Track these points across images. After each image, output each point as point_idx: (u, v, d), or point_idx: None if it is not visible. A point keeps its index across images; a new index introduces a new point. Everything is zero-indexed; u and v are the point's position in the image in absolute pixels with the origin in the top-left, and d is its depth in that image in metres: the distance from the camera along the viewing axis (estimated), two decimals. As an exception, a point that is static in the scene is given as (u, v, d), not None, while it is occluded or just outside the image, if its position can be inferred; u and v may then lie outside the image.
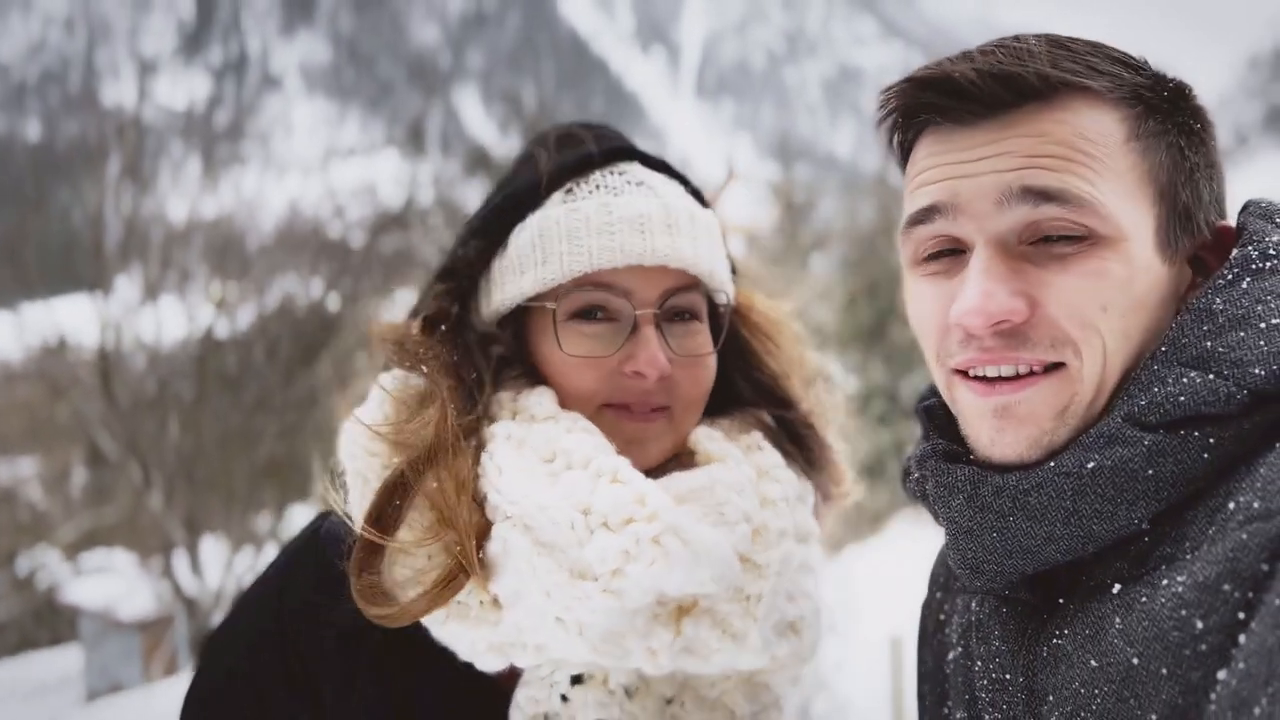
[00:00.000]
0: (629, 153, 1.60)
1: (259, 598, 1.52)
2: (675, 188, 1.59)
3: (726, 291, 1.60)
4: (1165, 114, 1.14)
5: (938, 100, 1.14)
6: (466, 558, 1.32)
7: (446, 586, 1.32)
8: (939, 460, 1.20)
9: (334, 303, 23.43)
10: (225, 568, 20.67)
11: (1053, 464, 1.06)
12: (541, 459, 1.39)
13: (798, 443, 1.67)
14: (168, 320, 23.41)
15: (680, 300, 1.52)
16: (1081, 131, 1.09)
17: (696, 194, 1.64)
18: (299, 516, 20.93)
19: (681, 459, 1.55)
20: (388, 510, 1.37)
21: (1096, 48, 1.15)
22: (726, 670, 1.43)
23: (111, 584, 24.49)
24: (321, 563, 1.42)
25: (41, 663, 27.07)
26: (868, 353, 25.83)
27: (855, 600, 10.32)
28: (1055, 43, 1.14)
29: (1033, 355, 1.09)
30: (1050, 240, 1.08)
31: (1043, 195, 1.07)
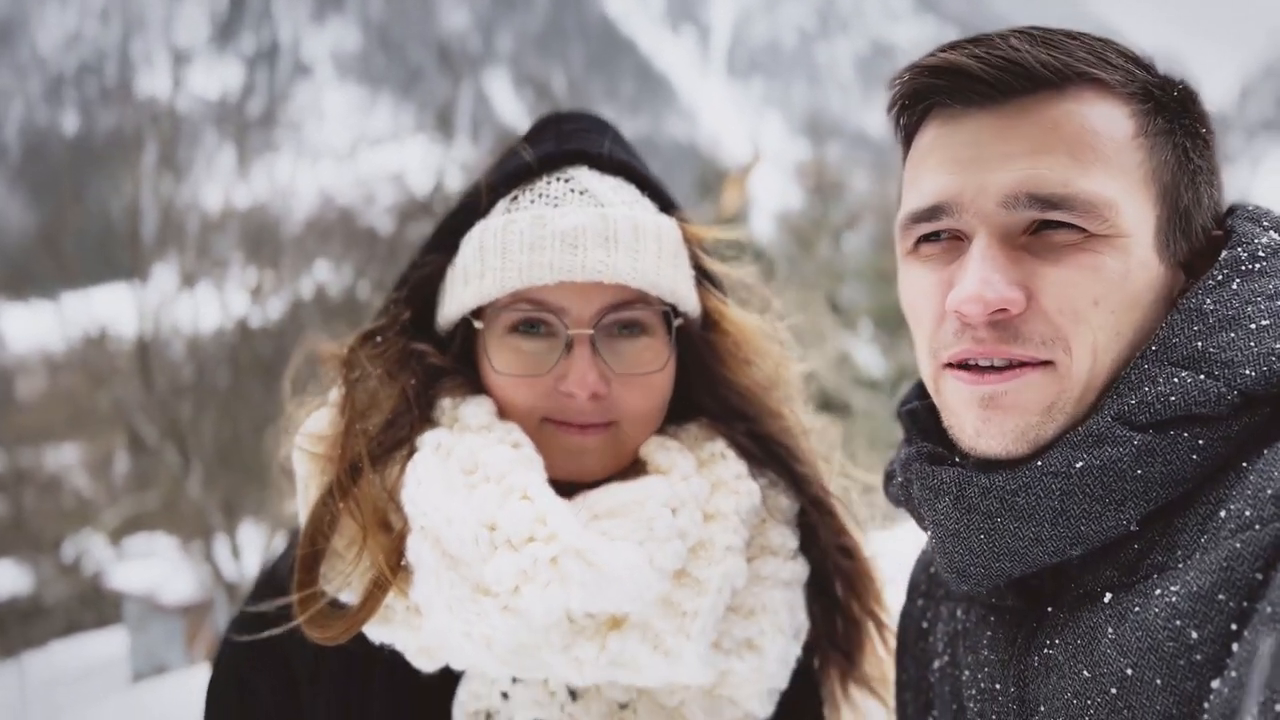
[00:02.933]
0: (579, 156, 1.53)
1: (252, 605, 1.53)
2: (627, 194, 1.52)
3: (683, 303, 1.52)
4: (1173, 114, 1.13)
5: (947, 84, 1.12)
6: (379, 567, 1.32)
7: (373, 593, 1.33)
8: (924, 463, 1.20)
9: (364, 290, 23.58)
10: (264, 552, 20.95)
11: (1040, 463, 1.06)
12: (463, 470, 1.36)
13: (771, 459, 1.58)
14: (204, 308, 23.67)
15: (621, 316, 1.45)
16: (1091, 124, 1.08)
17: (662, 198, 1.57)
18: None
19: (635, 468, 1.50)
20: (322, 524, 1.38)
21: (1108, 43, 1.14)
22: (669, 684, 1.40)
23: (154, 569, 24.96)
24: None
25: (88, 645, 27.69)
26: (897, 334, 25.56)
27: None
28: (1068, 34, 1.13)
29: (1024, 351, 1.08)
30: (1050, 229, 1.08)
31: (1049, 202, 1.06)
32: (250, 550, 21.35)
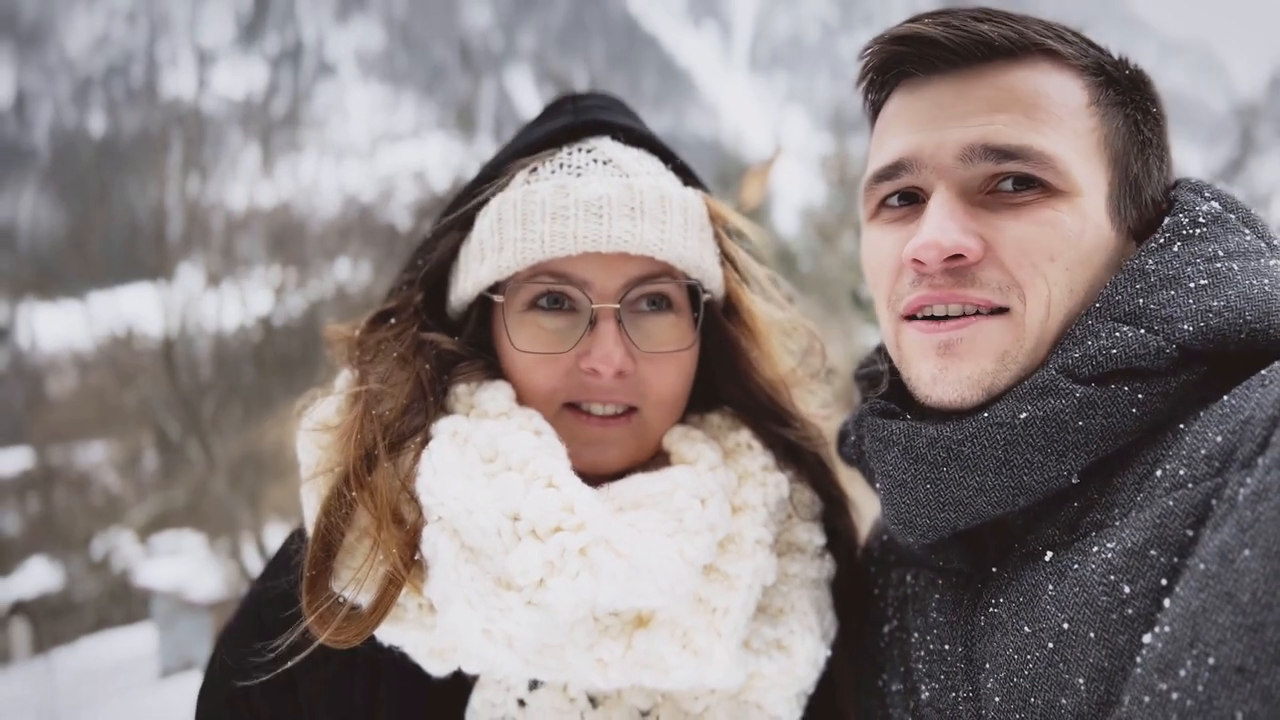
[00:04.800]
0: (601, 127, 1.46)
1: (248, 607, 1.44)
2: (651, 165, 1.45)
3: (707, 280, 1.45)
4: (1124, 89, 1.19)
5: (912, 50, 1.18)
6: (393, 561, 1.22)
7: (387, 590, 1.23)
8: (875, 417, 1.24)
9: (384, 287, 23.68)
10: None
11: (986, 414, 1.09)
12: (482, 458, 1.28)
13: (794, 454, 1.51)
14: (228, 307, 23.86)
15: (647, 289, 1.38)
16: (1045, 89, 1.14)
17: (685, 172, 1.50)
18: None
19: (660, 459, 1.43)
20: (336, 517, 1.27)
21: (1064, 26, 1.20)
22: (695, 687, 1.31)
23: (182, 566, 25.15)
24: (292, 576, 1.34)
25: (117, 642, 27.98)
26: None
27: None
28: (1025, 14, 1.19)
29: (980, 295, 1.11)
30: (1007, 190, 1.13)
31: (1004, 153, 1.11)
32: (277, 548, 21.50)
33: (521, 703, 1.30)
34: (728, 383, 1.52)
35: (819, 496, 1.53)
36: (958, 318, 1.13)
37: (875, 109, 1.29)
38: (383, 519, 1.24)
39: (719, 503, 1.33)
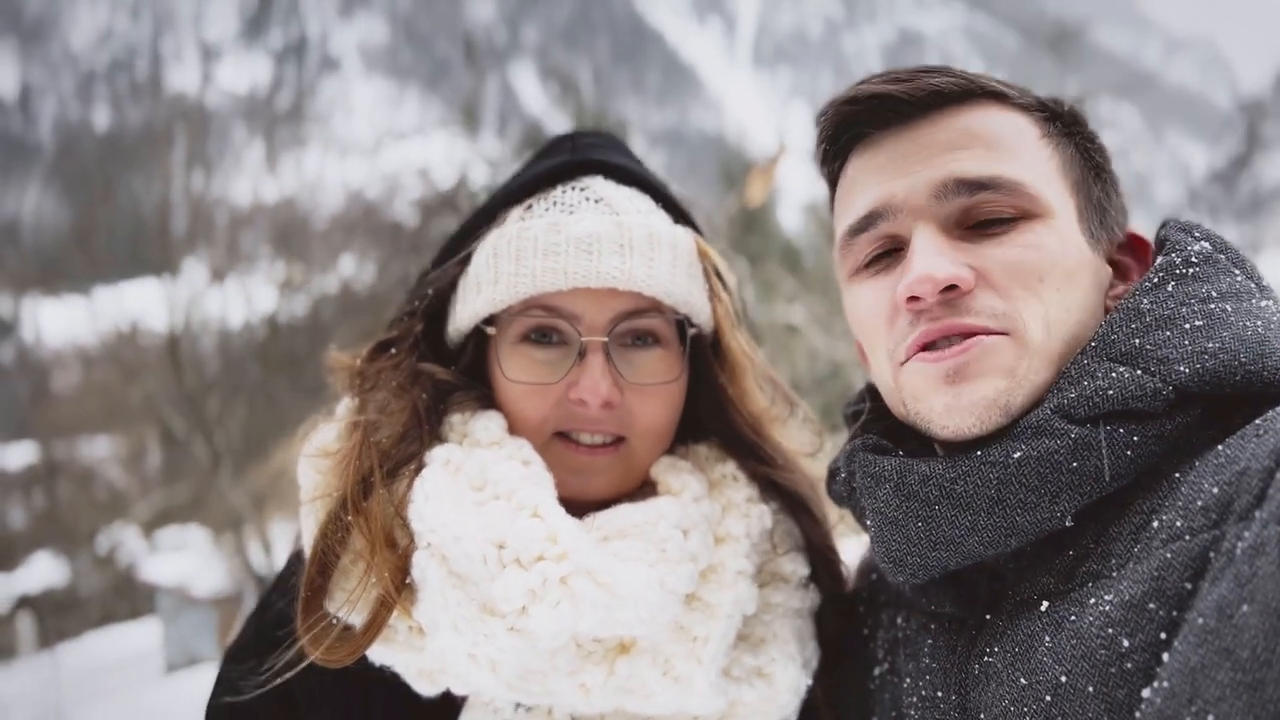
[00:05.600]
0: (595, 166, 1.51)
1: (251, 625, 1.50)
2: (642, 204, 1.50)
3: (696, 315, 1.50)
4: (1067, 123, 1.24)
5: (866, 108, 1.21)
6: (384, 584, 1.27)
7: (379, 612, 1.28)
8: (867, 453, 1.23)
9: (388, 284, 23.68)
10: (294, 545, 21.12)
11: (980, 453, 1.09)
12: (472, 486, 1.33)
13: (779, 490, 1.54)
14: (233, 302, 23.89)
15: (635, 324, 1.43)
16: (1000, 126, 1.18)
17: (676, 210, 1.55)
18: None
19: (645, 489, 1.47)
20: (333, 541, 1.32)
21: (1000, 79, 1.25)
22: (676, 713, 1.35)
23: (186, 561, 25.23)
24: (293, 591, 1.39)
25: (122, 636, 28.07)
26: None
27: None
28: (962, 70, 1.24)
29: (978, 322, 1.11)
30: (985, 224, 1.15)
31: (976, 185, 1.14)
32: (281, 543, 21.53)
33: None
34: (712, 416, 1.56)
35: (800, 530, 1.56)
36: (958, 342, 1.12)
37: (833, 178, 1.32)
38: (376, 543, 1.29)
39: (702, 533, 1.37)
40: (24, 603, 28.91)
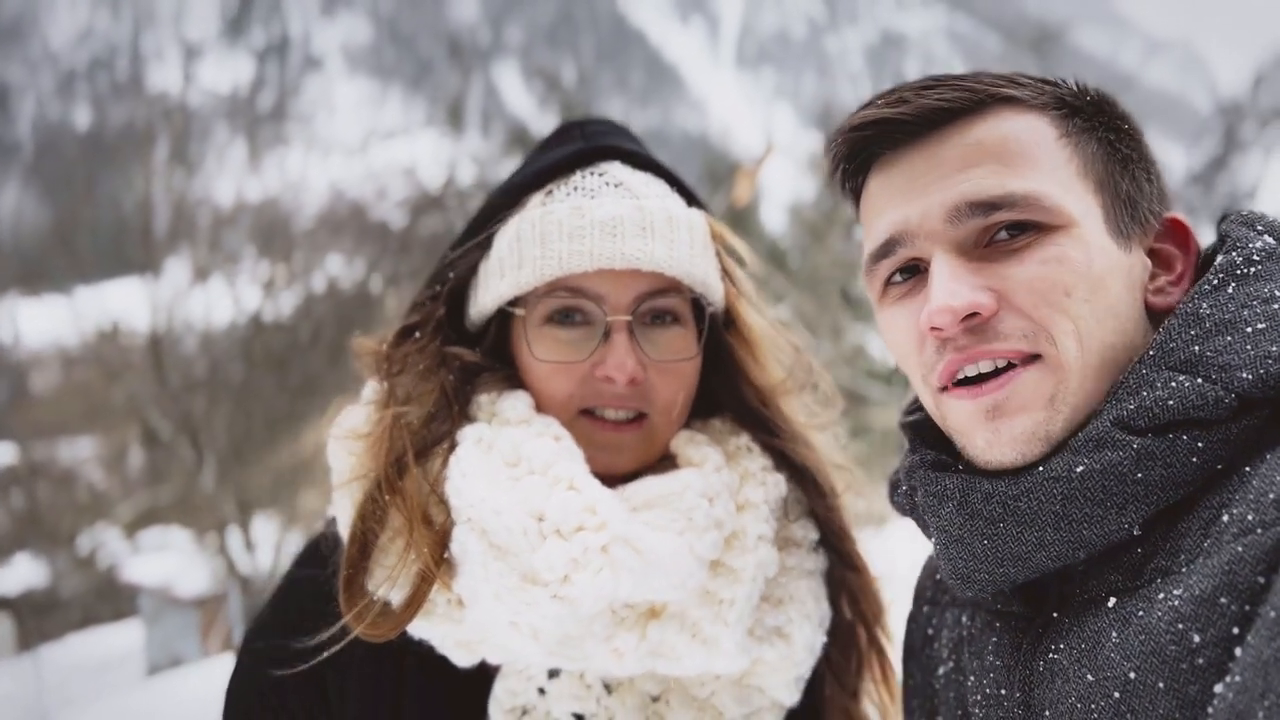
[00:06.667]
0: (611, 152, 1.57)
1: (280, 599, 1.54)
2: (658, 188, 1.56)
3: (711, 295, 1.56)
4: (1090, 115, 1.20)
5: (875, 133, 1.20)
6: (425, 560, 1.33)
7: (420, 586, 1.34)
8: (928, 470, 1.22)
9: (376, 285, 23.61)
10: (276, 546, 21.03)
11: (1042, 469, 1.07)
12: (506, 463, 1.39)
13: (786, 461, 1.61)
14: (217, 303, 23.74)
15: (657, 303, 1.50)
16: (1013, 134, 1.14)
17: (688, 194, 1.61)
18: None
19: (665, 463, 1.54)
20: (370, 520, 1.38)
21: (1014, 73, 1.22)
22: (703, 673, 1.43)
23: (169, 562, 25.08)
24: (324, 571, 1.44)
25: (104, 638, 27.88)
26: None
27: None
28: (973, 72, 1.22)
29: (1006, 346, 1.10)
30: (1004, 239, 1.12)
31: (989, 205, 1.11)
32: (264, 544, 21.43)
33: (541, 690, 1.41)
34: (725, 391, 1.64)
35: (806, 497, 1.63)
36: (994, 376, 1.11)
37: (856, 194, 1.32)
38: (414, 521, 1.35)
39: (725, 501, 1.45)
40: (4, 604, 28.63)
